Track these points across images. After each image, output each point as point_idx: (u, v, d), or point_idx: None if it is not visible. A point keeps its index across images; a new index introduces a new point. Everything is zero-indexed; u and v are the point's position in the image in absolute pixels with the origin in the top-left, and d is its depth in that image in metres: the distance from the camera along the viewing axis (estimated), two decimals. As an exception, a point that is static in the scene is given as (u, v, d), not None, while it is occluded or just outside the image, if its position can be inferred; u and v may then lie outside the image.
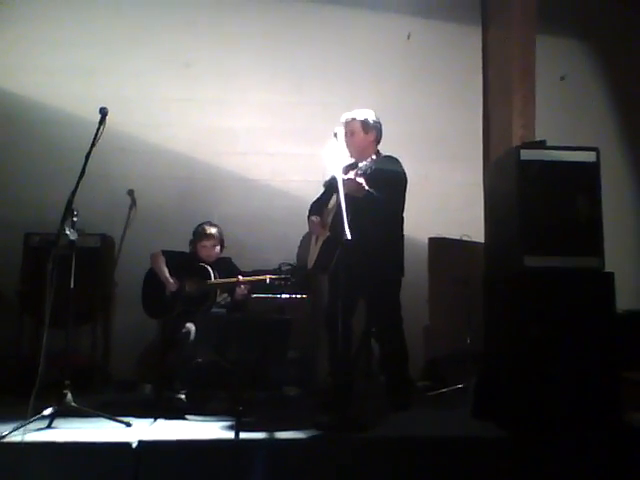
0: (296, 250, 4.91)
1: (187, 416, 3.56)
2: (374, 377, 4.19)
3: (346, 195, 3.32)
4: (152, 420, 3.43)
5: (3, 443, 2.85)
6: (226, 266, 4.34)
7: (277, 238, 5.16)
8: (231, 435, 2.99)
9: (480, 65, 5.72)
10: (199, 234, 4.35)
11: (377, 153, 3.91)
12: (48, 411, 3.14)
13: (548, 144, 3.52)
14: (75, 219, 3.33)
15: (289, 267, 4.57)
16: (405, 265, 3.86)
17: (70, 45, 5.31)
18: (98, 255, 4.73)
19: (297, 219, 4.20)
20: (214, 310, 4.19)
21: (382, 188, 3.58)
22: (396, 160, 3.85)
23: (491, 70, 5.67)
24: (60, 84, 5.27)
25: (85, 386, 4.07)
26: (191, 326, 3.93)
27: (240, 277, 4.15)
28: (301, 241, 4.83)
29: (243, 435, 2.96)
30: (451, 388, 4.26)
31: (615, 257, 3.42)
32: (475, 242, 4.57)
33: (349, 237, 3.10)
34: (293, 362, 4.45)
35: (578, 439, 3.07)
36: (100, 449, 2.88)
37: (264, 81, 5.48)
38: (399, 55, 5.62)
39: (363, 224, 3.44)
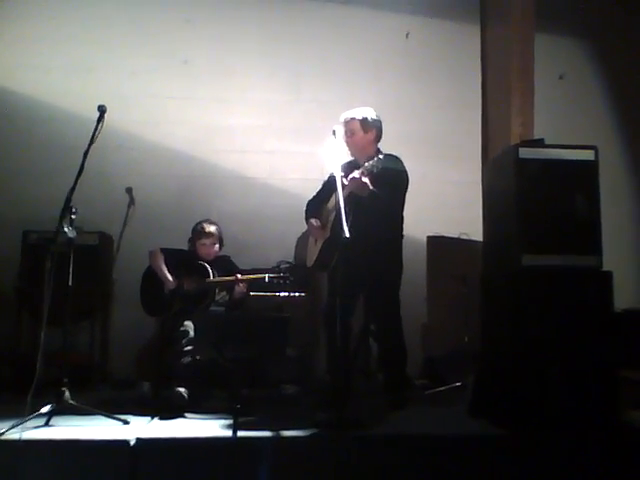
0: (294, 249, 4.91)
1: (185, 414, 3.55)
2: (372, 375, 4.19)
3: (350, 194, 3.31)
4: (150, 418, 3.43)
5: (1, 441, 2.85)
6: (225, 264, 4.34)
7: (276, 236, 5.16)
8: (229, 433, 2.99)
9: (479, 64, 5.72)
10: (198, 232, 4.34)
11: (378, 151, 3.88)
12: (46, 409, 3.14)
13: (546, 142, 3.51)
14: (73, 217, 3.33)
15: (288, 265, 4.56)
16: (403, 263, 3.86)
17: (68, 43, 5.31)
18: (96, 253, 4.72)
19: (296, 217, 4.19)
20: (213, 308, 4.20)
21: (385, 187, 3.57)
22: (398, 159, 3.83)
23: (490, 69, 5.68)
24: (58, 82, 5.28)
25: (83, 384, 4.06)
26: (190, 324, 3.93)
27: (239, 275, 4.16)
28: (298, 240, 4.83)
29: (241, 433, 2.96)
30: (449, 386, 4.25)
31: (613, 256, 3.42)
32: (473, 240, 4.57)
33: (348, 236, 3.10)
34: (291, 360, 4.44)
35: (576, 438, 3.07)
36: (98, 447, 2.88)
37: (263, 79, 5.49)
38: (398, 54, 5.62)
39: (365, 223, 3.44)
